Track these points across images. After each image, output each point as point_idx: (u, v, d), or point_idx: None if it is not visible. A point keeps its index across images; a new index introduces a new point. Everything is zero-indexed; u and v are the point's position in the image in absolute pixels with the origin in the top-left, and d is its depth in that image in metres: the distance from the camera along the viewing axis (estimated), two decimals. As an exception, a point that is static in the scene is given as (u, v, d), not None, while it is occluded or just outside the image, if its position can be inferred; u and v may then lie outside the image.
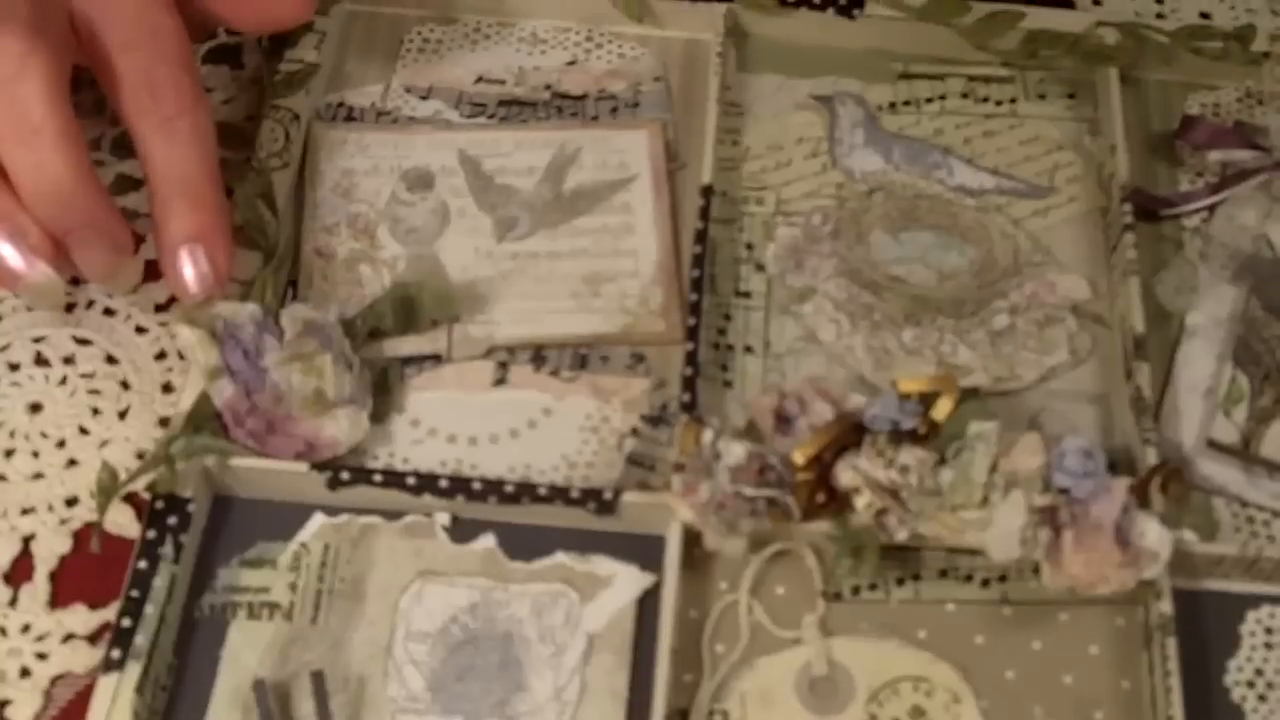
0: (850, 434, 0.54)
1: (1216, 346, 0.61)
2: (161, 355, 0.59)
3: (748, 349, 0.60)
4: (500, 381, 0.59)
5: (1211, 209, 0.65)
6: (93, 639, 0.53)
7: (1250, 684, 0.54)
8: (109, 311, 0.60)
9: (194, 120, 0.56)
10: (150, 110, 0.55)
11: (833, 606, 0.54)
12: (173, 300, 0.61)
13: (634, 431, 0.58)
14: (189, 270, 0.55)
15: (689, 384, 0.57)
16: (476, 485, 0.54)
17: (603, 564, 0.54)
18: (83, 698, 0.51)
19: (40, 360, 0.59)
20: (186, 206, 0.55)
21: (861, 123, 0.67)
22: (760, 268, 0.62)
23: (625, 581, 0.54)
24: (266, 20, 0.62)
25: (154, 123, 0.55)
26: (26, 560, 0.55)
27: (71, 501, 0.56)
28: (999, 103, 0.68)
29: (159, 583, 0.52)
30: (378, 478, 0.54)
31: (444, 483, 0.54)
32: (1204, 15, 0.73)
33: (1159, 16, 0.73)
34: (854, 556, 0.53)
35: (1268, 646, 0.54)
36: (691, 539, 0.53)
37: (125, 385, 0.59)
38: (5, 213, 0.54)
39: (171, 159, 0.55)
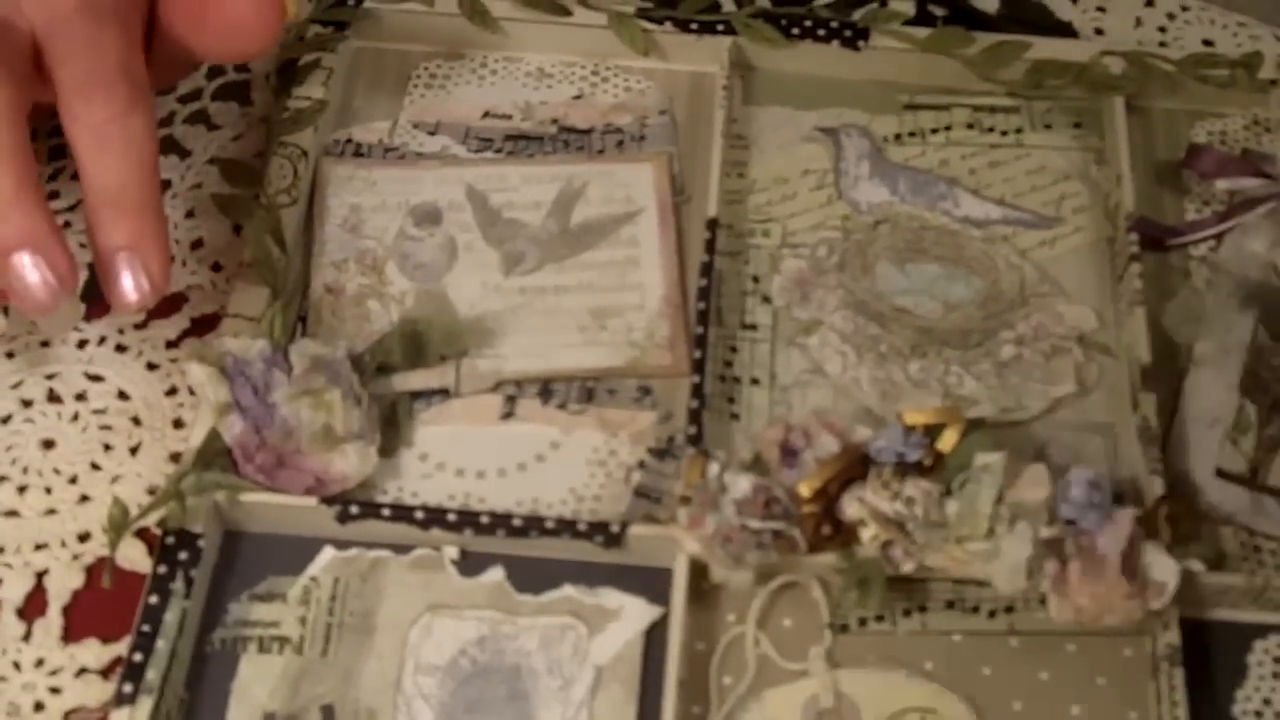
0: (856, 466, 0.54)
1: (1224, 376, 0.61)
2: (172, 391, 0.60)
3: (754, 381, 0.60)
4: (508, 415, 0.59)
5: (1219, 237, 0.65)
6: (105, 673, 0.53)
7: (1258, 714, 0.54)
8: (120, 348, 0.61)
9: (125, 124, 0.53)
10: (81, 116, 0.53)
11: (839, 638, 0.54)
12: (184, 337, 0.61)
13: (641, 464, 0.58)
14: (125, 280, 0.54)
15: (695, 417, 0.57)
16: (485, 519, 0.54)
17: (610, 596, 0.55)
18: (96, 732, 0.52)
19: (53, 397, 0.60)
20: (117, 215, 0.54)
21: (867, 154, 0.67)
22: (766, 300, 0.63)
23: (633, 614, 0.54)
24: (225, 48, 0.59)
25: (84, 129, 0.53)
26: (40, 595, 0.55)
27: (84, 537, 0.56)
28: (1005, 133, 0.68)
29: (170, 617, 0.52)
30: (386, 512, 0.55)
31: (452, 516, 0.55)
32: (1207, 43, 0.73)
33: (1161, 45, 0.73)
34: (860, 588, 0.53)
35: (1275, 676, 0.54)
36: (698, 571, 0.54)
37: (136, 421, 0.59)
38: (35, 235, 0.52)
39: (102, 165, 0.54)
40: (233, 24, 0.57)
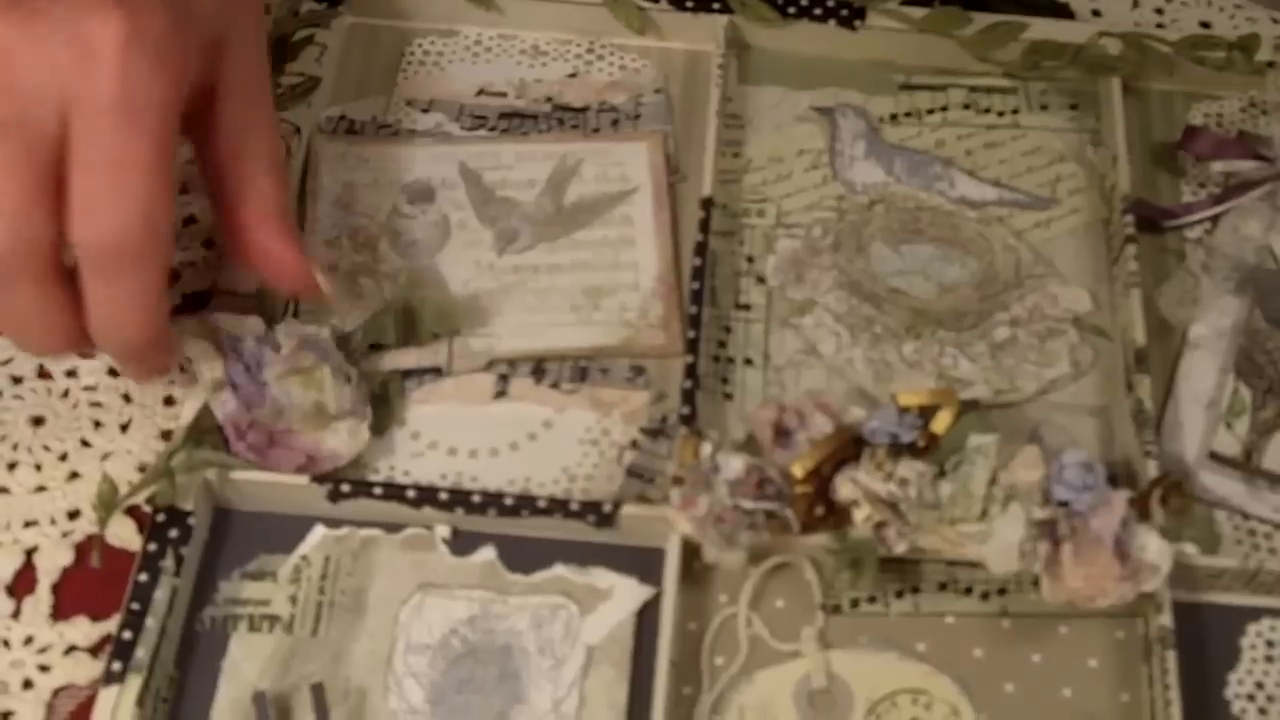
0: (849, 447, 0.54)
1: (1219, 358, 0.61)
2: (163, 368, 0.60)
3: (748, 361, 0.60)
4: (500, 394, 0.59)
5: (1214, 220, 0.65)
6: (94, 651, 0.53)
7: (1250, 697, 0.54)
8: (111, 324, 0.61)
9: (135, 274, 0.51)
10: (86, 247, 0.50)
11: (832, 619, 0.54)
12: (175, 313, 0.61)
13: (634, 444, 0.58)
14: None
15: (689, 397, 0.57)
16: (476, 498, 0.54)
17: (602, 576, 0.55)
18: (84, 709, 0.52)
19: (43, 373, 0.59)
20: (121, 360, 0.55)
21: (863, 134, 0.67)
22: (760, 280, 0.62)
23: (625, 594, 0.54)
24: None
25: (86, 263, 0.51)
26: (29, 572, 0.55)
27: (74, 514, 0.56)
28: (1001, 114, 0.68)
29: (160, 595, 0.52)
30: (378, 490, 0.54)
31: (444, 495, 0.54)
32: (1204, 25, 0.73)
33: (1159, 27, 0.72)
34: (853, 569, 0.53)
35: (1268, 659, 0.54)
36: (691, 551, 0.53)
37: (127, 398, 0.59)
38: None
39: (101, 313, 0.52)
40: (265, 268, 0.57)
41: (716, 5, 0.68)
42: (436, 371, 0.59)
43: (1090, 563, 0.52)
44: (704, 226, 0.62)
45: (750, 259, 0.63)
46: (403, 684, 0.52)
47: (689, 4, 0.68)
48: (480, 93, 0.68)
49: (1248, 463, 0.58)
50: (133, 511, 0.55)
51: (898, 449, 0.54)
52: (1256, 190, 0.65)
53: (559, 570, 0.55)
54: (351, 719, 0.52)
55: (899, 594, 0.55)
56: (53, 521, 0.56)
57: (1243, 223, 0.65)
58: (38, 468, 0.57)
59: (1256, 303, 0.62)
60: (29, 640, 0.53)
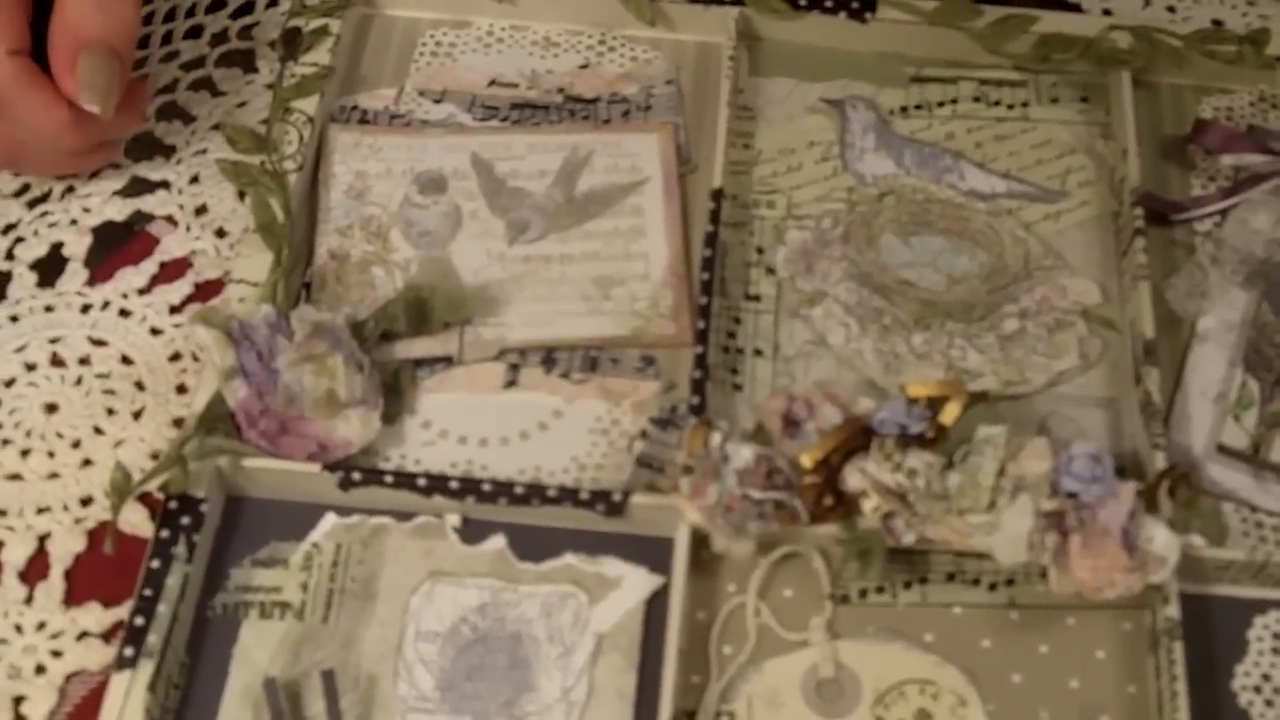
0: (858, 438, 0.54)
1: (1227, 351, 0.61)
2: (176, 356, 0.60)
3: (757, 352, 0.61)
4: (511, 384, 0.59)
5: (1224, 213, 0.65)
6: (106, 637, 0.54)
7: (1257, 689, 0.54)
8: (124, 313, 0.61)
9: None
10: None
11: (840, 609, 0.55)
12: (187, 302, 0.61)
13: (643, 434, 0.58)
14: None
15: (698, 387, 0.57)
16: (487, 487, 0.55)
17: (611, 565, 0.55)
18: (96, 695, 0.52)
19: (56, 361, 0.60)
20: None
21: (873, 126, 0.67)
22: (770, 271, 0.63)
23: (634, 583, 0.54)
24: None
25: None
26: (42, 559, 0.55)
27: (86, 501, 0.57)
28: (1011, 106, 0.68)
29: (172, 582, 0.52)
30: (389, 479, 0.55)
31: (454, 484, 0.55)
32: (1216, 23, 0.72)
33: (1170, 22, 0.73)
34: (861, 559, 0.53)
35: (1275, 652, 0.54)
36: (700, 541, 0.54)
37: (140, 386, 0.59)
38: None
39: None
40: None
41: (727, -3, 0.69)
42: (448, 360, 0.59)
43: (1098, 554, 0.52)
44: (714, 217, 0.62)
45: (760, 250, 0.63)
46: (413, 671, 0.53)
47: (700, -5, 0.69)
48: (492, 83, 0.68)
49: (1255, 455, 0.59)
50: (145, 498, 0.56)
51: (906, 440, 0.54)
52: (1266, 184, 0.65)
53: (568, 559, 0.55)
54: (361, 705, 0.52)
55: (907, 584, 0.55)
56: (65, 508, 0.56)
57: (1252, 216, 0.65)
58: (51, 455, 0.57)
59: (1265, 296, 0.63)
60: (42, 626, 0.54)
